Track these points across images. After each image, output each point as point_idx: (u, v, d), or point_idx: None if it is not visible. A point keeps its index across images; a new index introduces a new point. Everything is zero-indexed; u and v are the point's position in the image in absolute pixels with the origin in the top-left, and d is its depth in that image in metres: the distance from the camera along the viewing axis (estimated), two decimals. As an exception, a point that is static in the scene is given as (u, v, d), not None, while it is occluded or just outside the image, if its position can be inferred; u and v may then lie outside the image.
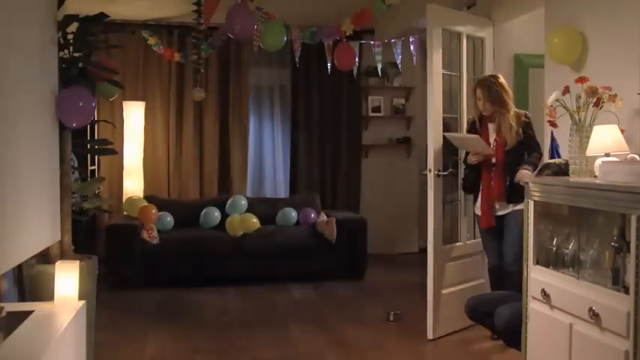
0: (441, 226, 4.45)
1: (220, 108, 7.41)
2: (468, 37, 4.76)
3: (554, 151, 3.86)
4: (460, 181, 4.58)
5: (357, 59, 5.60)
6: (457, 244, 4.66)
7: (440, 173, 4.39)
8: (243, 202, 6.66)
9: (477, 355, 4.12)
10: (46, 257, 3.42)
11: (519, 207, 4.01)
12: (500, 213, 4.21)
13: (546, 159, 3.87)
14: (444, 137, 4.39)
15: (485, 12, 5.05)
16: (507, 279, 4.09)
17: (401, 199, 7.91)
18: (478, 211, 4.33)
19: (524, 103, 5.26)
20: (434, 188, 4.36)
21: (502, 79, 4.23)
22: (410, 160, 7.93)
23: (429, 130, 4.40)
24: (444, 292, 4.47)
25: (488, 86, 4.17)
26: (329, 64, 5.68)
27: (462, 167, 4.59)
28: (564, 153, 3.56)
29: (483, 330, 4.14)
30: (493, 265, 4.30)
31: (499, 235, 4.22)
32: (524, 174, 3.90)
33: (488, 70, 4.83)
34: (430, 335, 4.36)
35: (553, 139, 3.85)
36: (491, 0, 4.99)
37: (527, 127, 4.18)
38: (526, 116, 4.22)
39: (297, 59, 5.57)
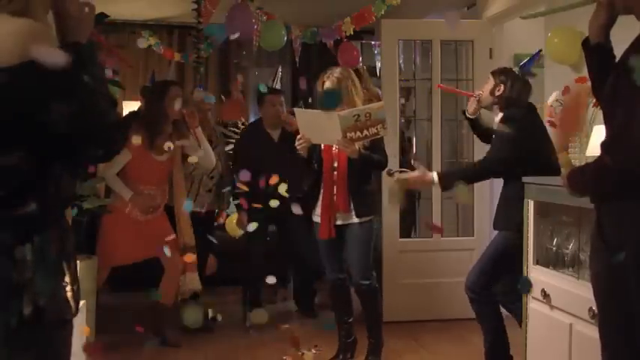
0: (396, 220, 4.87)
1: (220, 108, 7.39)
2: (447, 42, 5.04)
3: None
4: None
5: (360, 58, 5.61)
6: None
7: (389, 172, 4.44)
8: (244, 202, 6.63)
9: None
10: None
11: (365, 219, 3.72)
12: (340, 222, 3.75)
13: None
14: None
15: (484, 12, 5.05)
16: (363, 297, 3.83)
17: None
18: (317, 219, 3.81)
19: (525, 103, 5.25)
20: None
21: (353, 75, 3.76)
22: (410, 160, 7.91)
23: None
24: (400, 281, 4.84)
25: (339, 81, 3.66)
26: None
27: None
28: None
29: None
30: (334, 278, 3.90)
31: (339, 246, 3.81)
32: (352, 149, 3.50)
33: (479, 73, 4.86)
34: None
35: None
36: (490, 0, 4.99)
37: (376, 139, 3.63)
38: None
39: (297, 59, 5.56)
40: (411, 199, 5.30)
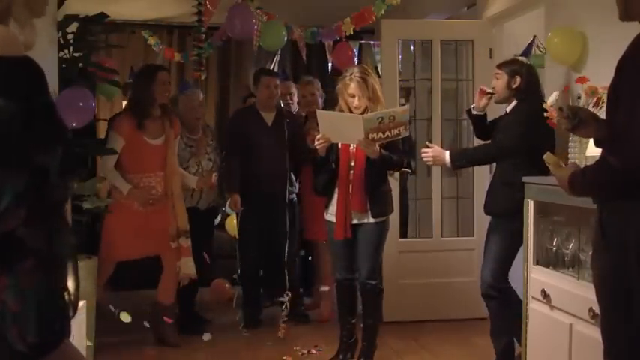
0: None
1: (220, 108, 7.39)
2: (448, 42, 5.01)
3: None
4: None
5: (355, 59, 5.60)
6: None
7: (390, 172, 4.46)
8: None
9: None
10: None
11: (380, 219, 3.71)
12: (355, 222, 3.71)
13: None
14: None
15: (484, 12, 5.04)
16: (366, 297, 3.79)
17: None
18: (331, 218, 3.76)
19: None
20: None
21: (371, 71, 3.78)
22: (410, 160, 7.90)
23: None
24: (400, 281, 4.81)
25: (364, 80, 3.62)
26: (330, 64, 5.68)
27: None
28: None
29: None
30: (342, 278, 3.86)
31: (353, 245, 3.76)
32: (373, 149, 3.49)
33: (479, 73, 4.86)
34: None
35: None
36: (490, 0, 4.98)
37: None
38: None
39: (304, 57, 5.54)
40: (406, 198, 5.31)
